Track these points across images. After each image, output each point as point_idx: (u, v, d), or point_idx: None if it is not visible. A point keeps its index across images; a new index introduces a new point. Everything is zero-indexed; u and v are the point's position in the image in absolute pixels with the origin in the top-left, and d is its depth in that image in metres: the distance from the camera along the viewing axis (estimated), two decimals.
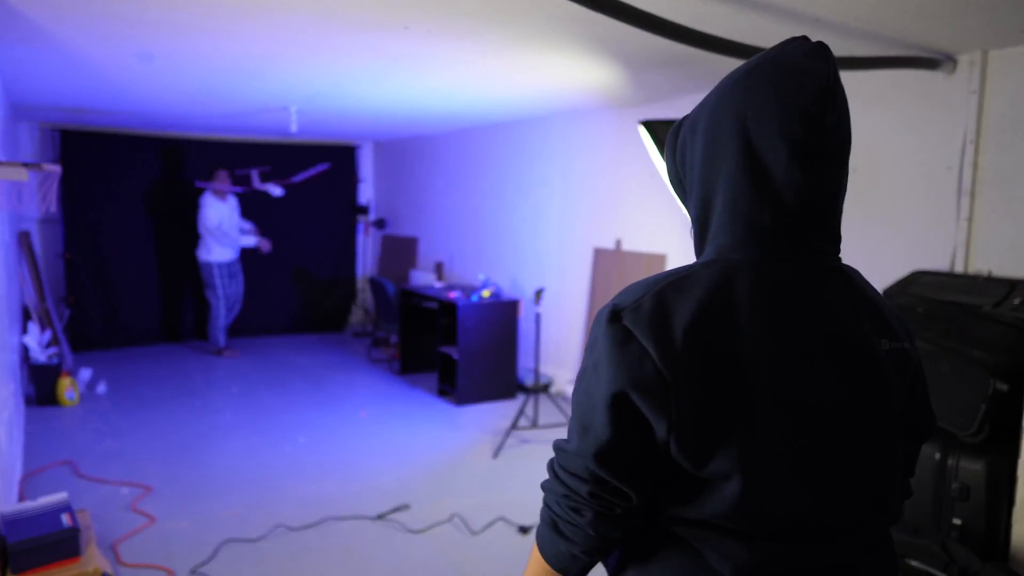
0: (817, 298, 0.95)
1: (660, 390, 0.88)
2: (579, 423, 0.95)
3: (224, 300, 7.12)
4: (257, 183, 7.32)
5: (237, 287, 7.28)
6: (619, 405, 0.90)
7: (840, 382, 0.93)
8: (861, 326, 0.97)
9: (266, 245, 7.37)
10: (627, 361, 0.89)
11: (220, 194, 7.08)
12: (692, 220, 1.02)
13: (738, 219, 0.94)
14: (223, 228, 6.99)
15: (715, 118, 0.96)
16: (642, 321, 0.90)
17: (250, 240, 7.33)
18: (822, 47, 0.94)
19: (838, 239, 0.99)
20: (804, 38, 0.96)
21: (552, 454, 1.02)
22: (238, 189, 7.29)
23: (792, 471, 0.90)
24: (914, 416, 1.06)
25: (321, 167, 7.78)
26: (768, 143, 0.91)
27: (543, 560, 1.00)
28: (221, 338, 7.22)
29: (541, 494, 1.03)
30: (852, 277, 1.01)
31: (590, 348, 0.96)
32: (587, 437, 0.93)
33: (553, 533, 0.97)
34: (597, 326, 0.94)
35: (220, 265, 7.07)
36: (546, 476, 1.02)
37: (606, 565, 1.06)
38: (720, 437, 0.88)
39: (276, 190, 7.33)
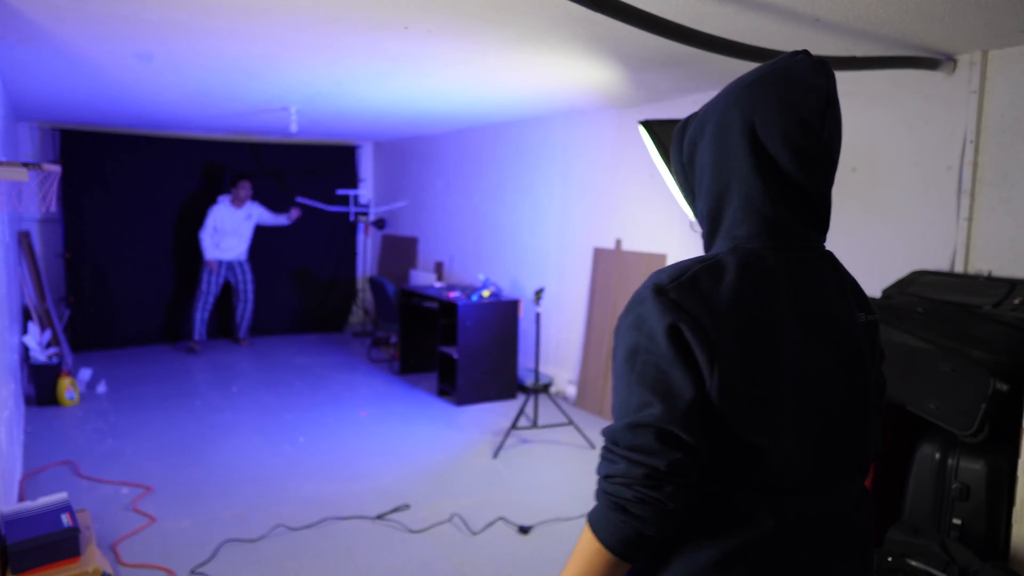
0: (818, 281, 1.09)
1: (708, 349, 0.98)
2: (654, 393, 0.98)
3: (205, 296, 7.25)
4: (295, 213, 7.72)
5: (245, 284, 7.45)
6: (683, 350, 0.98)
7: (834, 354, 1.07)
8: (848, 303, 1.12)
9: (295, 213, 7.68)
10: (679, 317, 0.98)
11: (238, 201, 7.29)
12: (703, 214, 1.12)
13: (753, 212, 1.05)
14: (218, 229, 7.22)
15: (724, 121, 1.07)
16: (687, 294, 1.00)
17: (282, 220, 7.67)
18: (823, 63, 1.06)
19: (827, 229, 1.13)
20: (806, 52, 1.08)
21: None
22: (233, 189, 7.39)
23: (805, 432, 1.04)
24: (877, 377, 1.21)
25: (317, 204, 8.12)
26: (774, 146, 1.04)
27: (604, 550, 1.00)
28: (196, 331, 7.33)
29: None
30: (835, 261, 1.15)
31: (636, 326, 1.01)
32: (672, 399, 0.97)
33: (622, 516, 0.98)
34: (640, 304, 1.02)
35: (220, 262, 7.26)
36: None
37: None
38: (758, 400, 1.00)
39: (294, 213, 7.71)
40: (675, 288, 1.00)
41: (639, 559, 1.03)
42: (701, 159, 1.10)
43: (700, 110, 1.14)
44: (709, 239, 1.11)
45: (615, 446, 1.01)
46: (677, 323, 0.98)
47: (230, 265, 7.36)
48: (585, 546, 1.02)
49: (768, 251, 1.05)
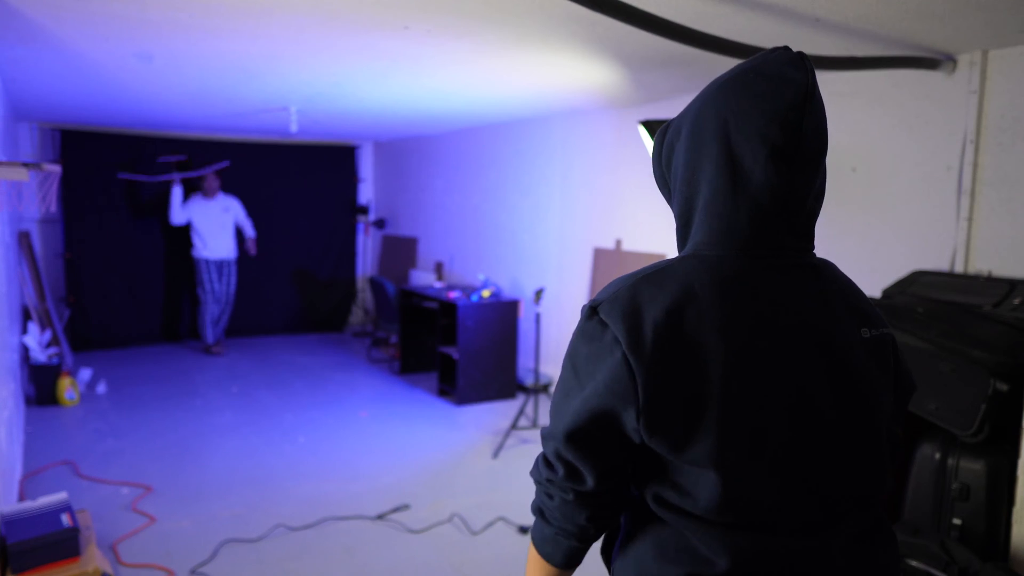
0: (790, 293, 0.98)
1: (628, 377, 0.93)
2: (554, 408, 1.03)
3: (212, 296, 7.16)
4: (169, 174, 7.28)
5: (228, 287, 7.30)
6: (589, 391, 0.97)
7: (814, 376, 0.96)
8: (834, 319, 1.00)
9: (252, 247, 7.49)
10: (599, 350, 0.96)
11: (209, 192, 7.14)
12: (676, 218, 1.07)
13: (715, 217, 0.99)
14: (199, 227, 7.07)
15: (698, 122, 1.01)
16: (615, 312, 0.95)
17: (250, 232, 7.45)
18: (801, 57, 0.98)
19: (810, 236, 1.03)
20: (786, 48, 1.01)
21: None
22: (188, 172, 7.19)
23: (768, 463, 0.93)
24: (899, 386, 1.10)
25: (223, 164, 7.69)
26: (747, 146, 0.96)
27: (534, 548, 1.08)
28: (210, 334, 7.25)
29: None
30: (823, 272, 1.04)
31: (572, 339, 1.02)
32: (558, 419, 1.00)
33: (539, 517, 1.06)
34: (580, 319, 1.02)
35: (208, 262, 7.14)
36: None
37: (608, 553, 1.09)
38: (691, 425, 0.92)
39: (176, 176, 7.18)
40: (608, 304, 0.97)
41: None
42: (676, 162, 1.05)
43: (680, 113, 1.08)
44: (680, 244, 1.07)
45: (540, 455, 1.06)
46: (593, 349, 0.96)
47: (218, 265, 7.21)
48: (530, 551, 1.10)
49: (728, 259, 0.97)
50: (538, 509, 1.05)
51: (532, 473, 1.06)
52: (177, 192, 7.04)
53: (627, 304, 0.95)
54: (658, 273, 0.98)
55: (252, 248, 7.51)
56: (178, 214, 7.06)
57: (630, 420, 0.94)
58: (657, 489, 0.98)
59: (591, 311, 0.98)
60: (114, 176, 7.28)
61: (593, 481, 0.98)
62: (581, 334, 0.99)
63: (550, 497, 1.02)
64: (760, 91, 0.96)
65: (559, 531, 1.03)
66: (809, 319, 0.98)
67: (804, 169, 0.97)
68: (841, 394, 0.97)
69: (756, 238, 0.97)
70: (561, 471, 0.99)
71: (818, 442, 0.96)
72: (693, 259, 0.99)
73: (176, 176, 7.15)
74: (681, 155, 1.03)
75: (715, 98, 1.00)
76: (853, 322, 1.02)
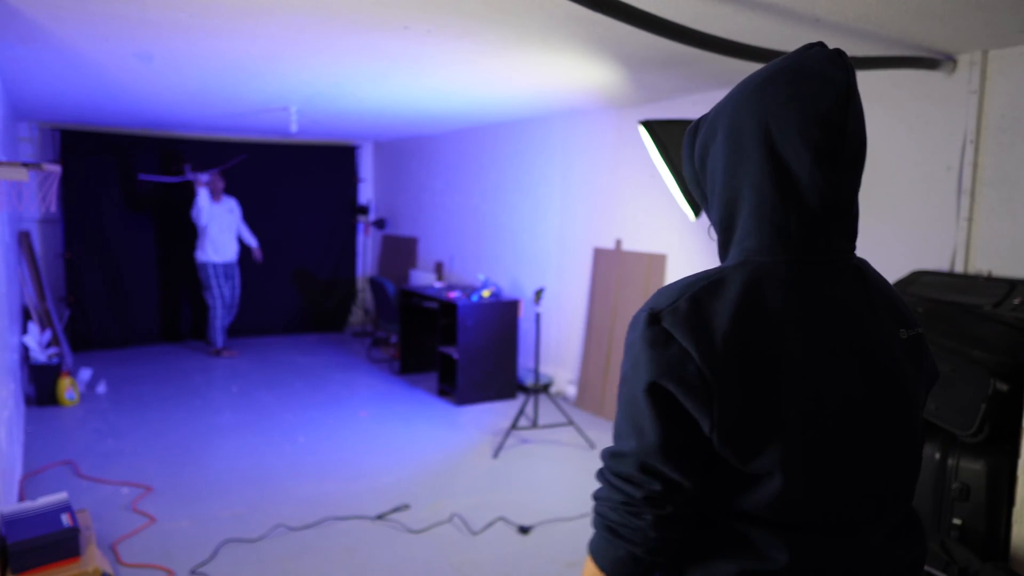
0: (840, 297, 0.98)
1: (702, 389, 0.90)
2: (632, 426, 0.96)
3: (221, 300, 7.13)
4: (189, 175, 7.15)
5: (233, 289, 7.28)
6: (662, 400, 0.93)
7: (862, 379, 0.96)
8: (878, 320, 1.01)
9: (258, 255, 7.51)
10: (668, 361, 0.92)
11: (216, 195, 7.11)
12: (715, 223, 1.05)
13: (765, 223, 0.97)
14: (210, 230, 7.00)
15: (736, 124, 0.99)
16: (680, 323, 0.92)
17: (252, 241, 7.42)
18: (840, 54, 0.96)
19: (855, 237, 1.03)
20: (822, 44, 0.98)
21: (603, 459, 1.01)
22: (197, 177, 7.10)
23: (825, 465, 0.94)
24: (928, 379, 1.10)
25: (241, 157, 7.66)
26: (791, 149, 0.94)
27: (601, 572, 0.98)
28: (220, 338, 7.22)
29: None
30: (866, 272, 1.05)
31: (628, 351, 0.97)
32: (643, 437, 0.94)
33: (612, 537, 0.97)
34: (634, 329, 0.97)
35: (216, 266, 7.08)
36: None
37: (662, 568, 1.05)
38: (761, 435, 0.91)
39: (203, 177, 7.06)
40: (670, 313, 0.94)
41: None
42: (713, 164, 1.03)
43: (711, 111, 1.06)
44: (723, 249, 1.05)
45: (605, 469, 1.00)
46: (662, 359, 0.92)
47: (225, 268, 7.17)
48: (587, 571, 1.01)
49: (782, 265, 0.96)
50: (609, 529, 0.98)
51: (605, 494, 0.99)
52: (203, 193, 6.92)
53: (692, 315, 0.93)
54: (715, 283, 0.96)
55: (258, 256, 7.52)
56: (205, 215, 6.93)
57: (705, 428, 0.93)
58: (722, 498, 0.97)
59: (653, 318, 0.94)
60: (114, 176, 7.28)
61: (691, 486, 0.94)
62: (645, 342, 0.94)
63: (637, 517, 0.95)
64: (801, 92, 0.94)
65: (645, 551, 0.96)
66: (858, 322, 0.98)
67: (849, 170, 0.96)
68: (885, 395, 0.98)
69: (808, 242, 0.97)
70: (653, 488, 0.94)
71: (866, 443, 0.97)
72: (747, 267, 0.97)
73: (202, 177, 6.98)
74: (719, 159, 1.01)
75: (752, 99, 0.98)
76: (893, 323, 1.03)
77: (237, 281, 7.33)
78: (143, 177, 7.26)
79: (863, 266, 1.05)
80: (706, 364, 0.90)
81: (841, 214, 0.97)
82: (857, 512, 0.97)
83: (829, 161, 0.94)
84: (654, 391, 0.93)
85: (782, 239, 0.96)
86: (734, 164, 0.99)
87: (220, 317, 7.15)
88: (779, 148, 0.95)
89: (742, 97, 1.00)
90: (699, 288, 0.95)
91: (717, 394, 0.90)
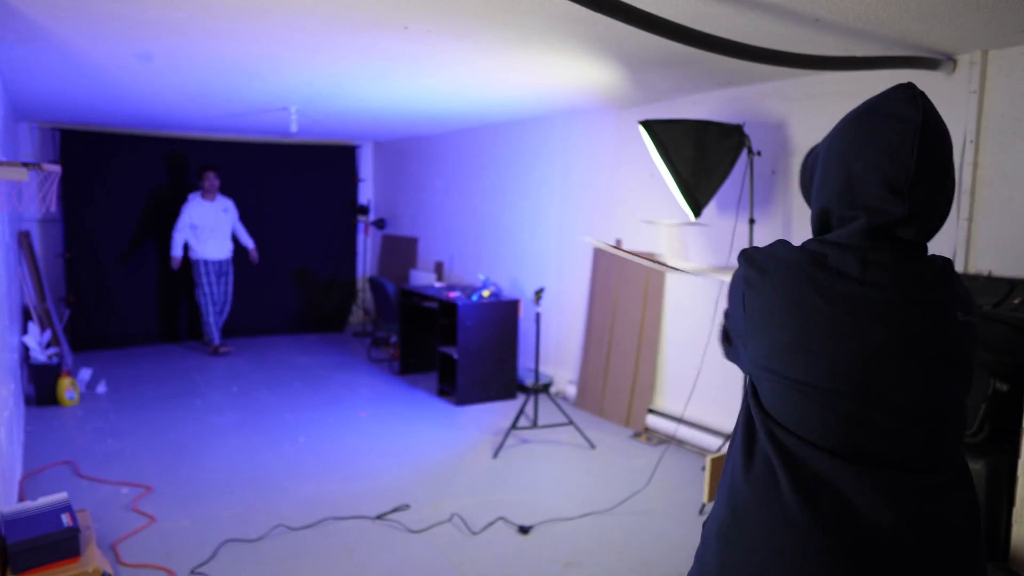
0: (881, 271, 1.17)
1: (757, 288, 1.22)
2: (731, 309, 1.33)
3: (211, 298, 7.16)
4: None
5: (225, 288, 7.28)
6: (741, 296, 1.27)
7: (893, 338, 1.14)
8: (933, 299, 1.17)
9: (255, 256, 7.52)
10: (749, 274, 1.25)
11: (209, 194, 7.12)
12: (812, 225, 1.31)
13: (839, 224, 1.23)
14: (198, 227, 7.03)
15: (829, 152, 1.25)
16: (758, 252, 1.27)
17: (248, 242, 7.43)
18: (916, 95, 1.17)
19: (925, 234, 1.19)
20: (907, 86, 1.19)
21: None
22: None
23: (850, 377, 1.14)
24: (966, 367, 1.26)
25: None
26: (864, 175, 1.17)
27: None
28: (215, 335, 7.25)
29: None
30: (935, 263, 1.22)
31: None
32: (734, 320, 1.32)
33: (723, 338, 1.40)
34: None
35: (207, 263, 7.10)
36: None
37: None
38: (798, 351, 1.16)
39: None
40: (753, 249, 1.30)
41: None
42: (815, 181, 1.29)
43: (822, 141, 1.31)
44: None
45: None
46: (746, 269, 1.26)
47: (216, 266, 7.19)
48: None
49: (853, 248, 1.19)
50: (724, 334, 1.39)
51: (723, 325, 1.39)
52: (189, 208, 7.03)
53: (767, 249, 1.28)
54: (789, 242, 1.27)
55: (255, 257, 7.52)
56: (181, 232, 7.06)
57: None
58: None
59: (743, 251, 1.32)
60: (114, 176, 7.28)
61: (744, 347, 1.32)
62: (740, 261, 1.32)
63: (721, 338, 1.41)
64: (873, 128, 1.17)
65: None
66: (911, 300, 1.16)
67: (915, 190, 1.13)
68: (929, 364, 1.15)
69: (870, 238, 1.17)
70: (724, 331, 1.38)
71: (898, 396, 1.15)
72: (811, 242, 1.25)
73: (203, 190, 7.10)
74: (818, 176, 1.28)
75: (842, 132, 1.22)
76: (950, 307, 1.18)
77: (230, 280, 7.33)
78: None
79: (934, 259, 1.22)
80: (760, 271, 1.24)
81: (903, 222, 1.16)
82: (880, 447, 1.13)
83: (893, 188, 1.13)
84: (740, 278, 1.30)
85: (850, 238, 1.19)
86: (823, 184, 1.25)
87: (211, 314, 7.19)
88: (852, 172, 1.18)
89: (836, 130, 1.25)
90: (781, 240, 1.28)
91: (755, 290, 1.24)
